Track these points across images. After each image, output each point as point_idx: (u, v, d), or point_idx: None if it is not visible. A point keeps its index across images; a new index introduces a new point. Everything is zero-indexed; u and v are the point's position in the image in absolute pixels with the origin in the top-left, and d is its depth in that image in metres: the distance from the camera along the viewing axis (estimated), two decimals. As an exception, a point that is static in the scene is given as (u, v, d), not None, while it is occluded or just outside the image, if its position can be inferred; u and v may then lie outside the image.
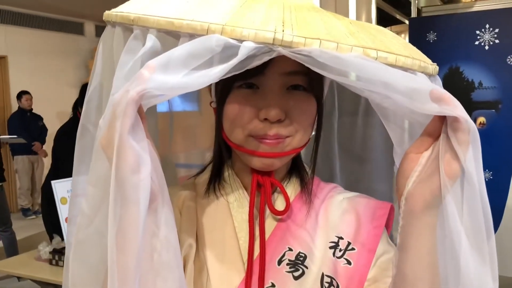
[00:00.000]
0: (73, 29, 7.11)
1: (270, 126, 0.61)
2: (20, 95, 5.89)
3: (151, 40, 0.50)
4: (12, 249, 4.03)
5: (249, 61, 0.49)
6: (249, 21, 0.48)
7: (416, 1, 3.45)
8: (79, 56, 7.19)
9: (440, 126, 0.53)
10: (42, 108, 6.40)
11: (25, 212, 6.17)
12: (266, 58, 0.49)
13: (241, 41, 0.47)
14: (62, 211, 2.25)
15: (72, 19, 7.03)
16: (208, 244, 0.67)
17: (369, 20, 3.10)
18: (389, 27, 6.69)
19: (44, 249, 2.74)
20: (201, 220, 0.70)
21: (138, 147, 0.47)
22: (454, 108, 0.49)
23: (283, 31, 0.47)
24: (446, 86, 0.52)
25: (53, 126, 6.54)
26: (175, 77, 0.46)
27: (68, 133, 3.27)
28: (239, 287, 0.64)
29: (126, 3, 0.56)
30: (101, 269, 0.53)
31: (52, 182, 2.29)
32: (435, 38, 2.97)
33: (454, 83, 2.91)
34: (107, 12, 0.56)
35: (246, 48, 0.47)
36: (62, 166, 2.80)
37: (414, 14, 3.39)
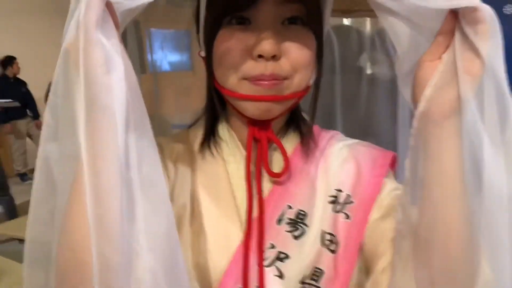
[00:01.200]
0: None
1: (266, 65, 0.57)
2: (10, 60, 5.68)
3: None
4: (12, 213, 4.05)
5: None
6: None
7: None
8: (65, 17, 6.96)
9: (453, 25, 0.48)
10: (29, 71, 6.26)
11: (22, 177, 6.16)
12: None
13: None
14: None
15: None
16: (204, 203, 0.65)
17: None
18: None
19: (43, 212, 2.74)
20: (196, 178, 0.67)
21: (108, 43, 0.42)
22: None
23: None
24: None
25: (41, 89, 6.43)
26: None
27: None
28: (237, 249, 0.62)
29: None
30: (65, 192, 0.46)
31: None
32: None
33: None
34: None
35: None
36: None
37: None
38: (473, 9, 0.45)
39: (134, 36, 2.70)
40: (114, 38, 0.43)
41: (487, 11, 0.45)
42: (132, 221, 0.44)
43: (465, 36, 0.47)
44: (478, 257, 0.48)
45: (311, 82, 0.65)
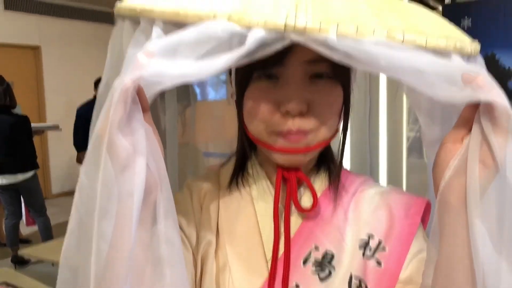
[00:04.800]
0: (105, 19, 7.19)
1: (293, 121, 0.57)
2: (97, 82, 5.20)
3: (157, 32, 0.47)
4: (48, 233, 4.15)
5: (261, 49, 0.45)
6: (259, 7, 0.45)
7: (450, -14, 3.33)
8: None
9: (475, 112, 0.48)
10: (76, 98, 6.53)
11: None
12: (278, 46, 0.46)
13: (249, 29, 0.44)
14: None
15: (104, 9, 7.11)
16: (230, 240, 0.65)
17: (400, 6, 3.02)
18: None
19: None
20: (224, 214, 0.67)
21: (131, 140, 0.45)
22: (488, 92, 0.44)
23: (295, 15, 0.43)
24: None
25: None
26: (176, 65, 0.44)
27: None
28: (262, 287, 0.61)
29: None
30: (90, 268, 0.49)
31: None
32: (470, 25, 2.86)
33: (490, 71, 2.79)
34: (117, 5, 0.54)
35: (255, 36, 0.43)
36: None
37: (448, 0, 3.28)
38: (490, 106, 0.44)
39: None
40: (138, 128, 0.46)
41: (506, 108, 0.44)
42: None
43: (483, 128, 0.46)
44: None
45: (339, 127, 0.65)
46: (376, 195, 0.68)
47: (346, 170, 0.72)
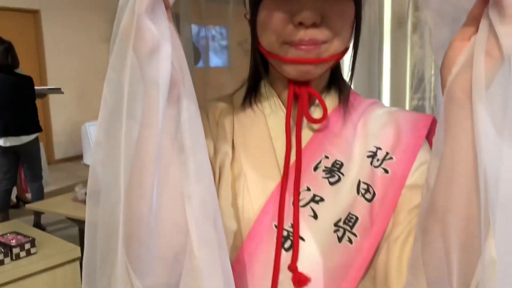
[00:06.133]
0: (105, -16, 7.11)
1: (305, 31, 0.59)
2: None
3: None
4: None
5: None
6: None
7: None
8: (111, 11, 7.15)
9: (483, 9, 0.49)
10: (74, 62, 6.52)
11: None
12: None
13: None
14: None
15: (103, -27, 7.01)
16: (244, 152, 0.69)
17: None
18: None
19: (80, 191, 2.87)
20: (238, 129, 0.71)
21: (157, 28, 0.47)
22: None
23: None
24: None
25: (85, 79, 6.67)
26: None
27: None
28: (275, 189, 0.65)
29: None
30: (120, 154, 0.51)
31: (86, 124, 2.34)
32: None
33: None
34: None
35: None
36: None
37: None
38: None
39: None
40: (163, 22, 0.49)
41: None
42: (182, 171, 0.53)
43: (491, 22, 0.47)
44: (486, 234, 0.48)
45: (350, 44, 0.67)
46: (385, 114, 0.71)
47: (356, 93, 0.74)
